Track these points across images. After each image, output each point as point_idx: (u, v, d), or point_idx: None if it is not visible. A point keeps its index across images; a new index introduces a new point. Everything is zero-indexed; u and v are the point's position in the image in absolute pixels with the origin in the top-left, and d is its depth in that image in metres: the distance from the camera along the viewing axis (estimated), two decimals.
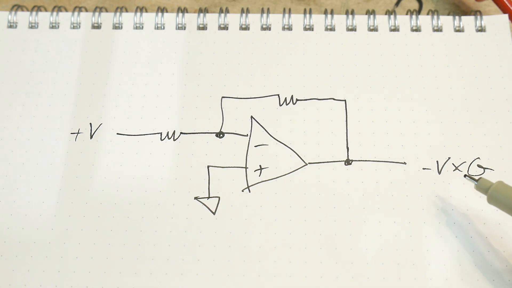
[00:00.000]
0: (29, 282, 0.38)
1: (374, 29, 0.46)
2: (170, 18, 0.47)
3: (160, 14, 0.47)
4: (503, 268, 0.38)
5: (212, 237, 0.39)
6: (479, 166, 0.41)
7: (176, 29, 0.46)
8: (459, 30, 0.46)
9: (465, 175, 0.38)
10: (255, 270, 0.38)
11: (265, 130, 0.43)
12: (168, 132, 0.43)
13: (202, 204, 0.40)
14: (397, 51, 0.45)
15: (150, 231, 0.40)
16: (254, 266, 0.38)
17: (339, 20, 0.46)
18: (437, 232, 0.39)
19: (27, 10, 0.48)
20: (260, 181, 0.41)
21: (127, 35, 0.46)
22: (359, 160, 0.41)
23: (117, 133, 0.43)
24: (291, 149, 0.42)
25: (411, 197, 0.40)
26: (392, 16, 0.46)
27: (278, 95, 0.44)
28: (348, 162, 0.41)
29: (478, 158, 0.41)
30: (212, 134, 0.43)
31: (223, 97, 0.44)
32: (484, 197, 0.37)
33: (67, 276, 0.38)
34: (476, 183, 0.37)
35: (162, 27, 0.47)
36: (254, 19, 0.47)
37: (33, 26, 0.47)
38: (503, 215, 0.38)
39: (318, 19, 0.46)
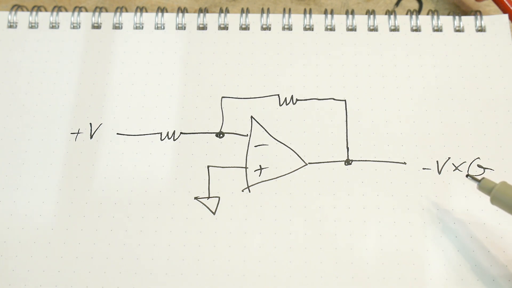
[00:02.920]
0: (29, 282, 0.38)
1: (374, 29, 0.46)
2: (170, 18, 0.47)
3: (160, 14, 0.47)
4: (503, 268, 0.38)
5: (212, 237, 0.39)
6: (479, 166, 0.41)
7: (176, 29, 0.46)
8: (459, 30, 0.46)
9: (467, 175, 0.38)
10: (255, 270, 0.38)
11: (265, 130, 0.43)
12: (168, 132, 0.43)
13: (202, 204, 0.40)
14: (397, 51, 0.45)
15: (150, 231, 0.40)
16: (254, 266, 0.38)
17: (339, 20, 0.46)
18: (437, 232, 0.39)
19: (27, 10, 0.48)
20: (260, 181, 0.41)
21: (127, 35, 0.46)
22: (359, 160, 0.41)
23: (117, 133, 0.43)
24: (291, 149, 0.42)
25: (411, 197, 0.40)
26: (392, 16, 0.46)
27: (278, 95, 0.44)
28: (348, 162, 0.41)
29: (478, 158, 0.41)
30: (212, 134, 0.43)
31: (223, 97, 0.44)
32: (484, 197, 0.36)
33: (67, 276, 0.38)
34: (478, 183, 0.36)
35: (162, 27, 0.47)
36: (254, 19, 0.47)
37: (33, 26, 0.47)
38: (503, 215, 0.38)
39: (318, 19, 0.46)
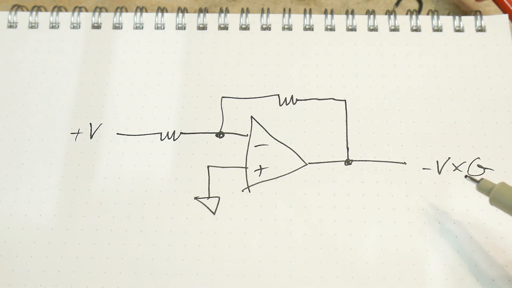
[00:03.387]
0: (29, 282, 0.38)
1: (374, 29, 0.46)
2: (170, 18, 0.47)
3: (160, 14, 0.47)
4: (503, 268, 0.38)
5: (212, 237, 0.39)
6: (479, 166, 0.41)
7: (176, 29, 0.46)
8: (459, 30, 0.46)
9: (466, 176, 0.38)
10: (255, 270, 0.38)
11: (265, 130, 0.43)
12: (168, 132, 0.43)
13: (202, 204, 0.40)
14: (397, 51, 0.45)
15: (150, 231, 0.40)
16: (254, 266, 0.38)
17: (339, 20, 0.46)
18: (437, 232, 0.39)
19: (27, 10, 0.48)
20: (260, 181, 0.41)
21: (127, 35, 0.46)
22: (359, 160, 0.41)
23: (117, 133, 0.43)
24: (291, 149, 0.42)
25: (411, 197, 0.40)
26: (392, 16, 0.46)
27: (278, 95, 0.44)
28: (348, 162, 0.41)
29: (478, 158, 0.41)
30: (212, 134, 0.43)
31: (223, 97, 0.44)
32: (484, 197, 0.36)
33: (67, 276, 0.38)
34: (477, 184, 0.36)
35: (162, 27, 0.47)
36: (254, 19, 0.47)
37: (33, 26, 0.47)
38: (503, 215, 0.38)
39: (318, 19, 0.46)
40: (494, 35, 0.45)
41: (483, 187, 0.36)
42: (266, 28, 0.46)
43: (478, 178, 0.36)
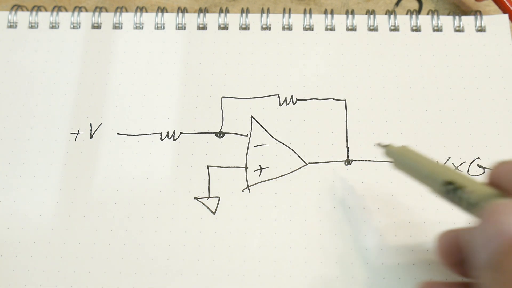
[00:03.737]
0: (29, 282, 0.38)
1: (374, 29, 0.46)
2: (170, 18, 0.47)
3: (160, 14, 0.47)
4: None
5: (212, 237, 0.39)
6: (479, 166, 0.41)
7: (176, 29, 0.46)
8: (459, 30, 0.46)
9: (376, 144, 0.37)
10: (255, 270, 0.38)
11: (265, 130, 0.43)
12: (168, 132, 0.43)
13: (202, 204, 0.40)
14: (397, 51, 0.45)
15: (150, 231, 0.40)
16: (254, 266, 0.38)
17: (339, 20, 0.46)
18: (437, 232, 0.39)
19: (27, 10, 0.48)
20: (260, 181, 0.41)
21: (127, 35, 0.46)
22: (359, 160, 0.41)
23: (117, 133, 0.43)
24: (291, 149, 0.42)
25: (411, 197, 0.40)
26: (392, 16, 0.46)
27: (278, 95, 0.44)
28: (348, 162, 0.41)
29: (478, 158, 0.41)
30: (212, 134, 0.43)
31: (223, 97, 0.44)
32: None
33: (67, 276, 0.38)
34: (385, 149, 0.36)
35: (162, 27, 0.47)
36: (254, 19, 0.47)
37: (33, 26, 0.47)
38: None
39: (318, 19, 0.46)
40: (494, 35, 0.45)
41: (389, 151, 0.35)
42: (266, 28, 0.46)
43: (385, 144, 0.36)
